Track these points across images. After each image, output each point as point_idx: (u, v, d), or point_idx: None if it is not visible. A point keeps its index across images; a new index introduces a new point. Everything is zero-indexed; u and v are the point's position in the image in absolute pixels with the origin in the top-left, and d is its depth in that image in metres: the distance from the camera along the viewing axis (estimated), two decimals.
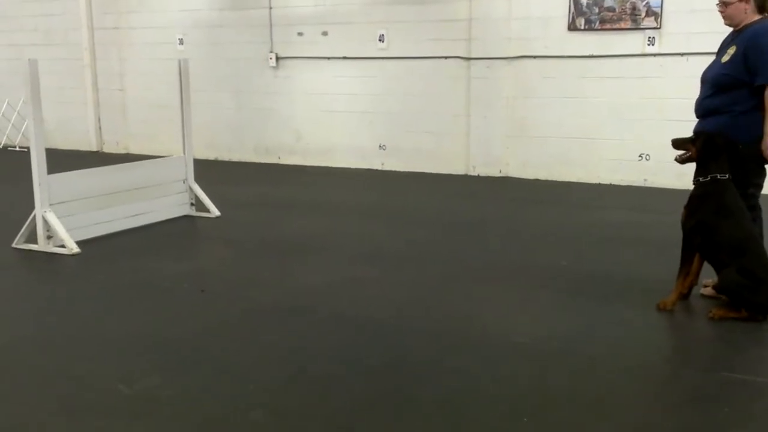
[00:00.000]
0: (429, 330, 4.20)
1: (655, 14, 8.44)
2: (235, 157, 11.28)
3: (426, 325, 4.28)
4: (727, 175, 4.32)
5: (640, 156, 8.73)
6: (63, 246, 5.81)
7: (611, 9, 8.64)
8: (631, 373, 3.65)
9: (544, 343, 3.99)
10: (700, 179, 4.40)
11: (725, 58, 4.47)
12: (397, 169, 10.13)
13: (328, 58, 10.35)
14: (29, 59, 5.73)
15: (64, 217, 5.91)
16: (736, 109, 4.39)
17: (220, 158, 11.28)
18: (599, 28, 8.73)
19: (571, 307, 4.58)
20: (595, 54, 8.79)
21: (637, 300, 4.62)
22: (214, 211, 7.17)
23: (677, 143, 4.56)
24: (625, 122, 8.76)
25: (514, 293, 4.90)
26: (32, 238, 5.92)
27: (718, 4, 4.52)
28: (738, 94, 4.38)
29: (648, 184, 8.68)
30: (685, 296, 4.55)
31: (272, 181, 9.69)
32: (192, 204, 7.26)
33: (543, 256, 5.77)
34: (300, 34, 10.49)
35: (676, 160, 4.58)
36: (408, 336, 4.12)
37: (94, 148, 12.37)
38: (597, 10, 8.70)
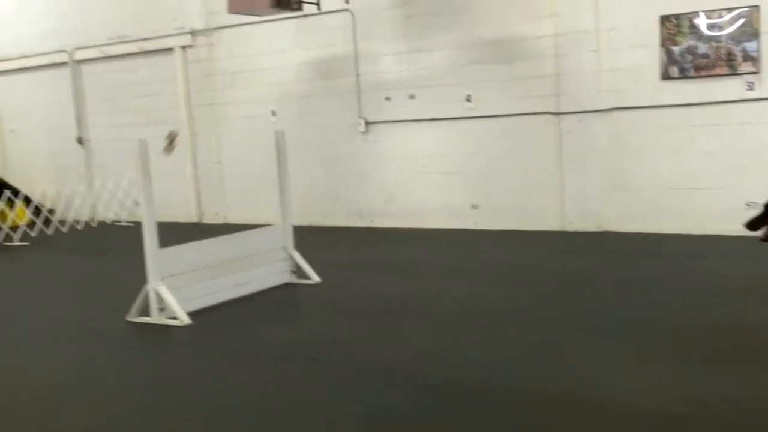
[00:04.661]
0: (541, 392, 4.07)
1: (753, 59, 8.20)
2: (328, 222, 11.45)
3: (537, 387, 4.16)
4: None
5: (747, 204, 8.38)
6: (175, 318, 5.98)
7: (705, 56, 8.45)
8: None
9: (671, 406, 3.80)
10: None
11: None
12: (491, 227, 10.04)
13: (417, 121, 10.48)
14: (139, 139, 6.04)
15: (174, 290, 6.09)
16: None
17: (313, 224, 11.47)
18: (694, 75, 8.54)
19: (694, 366, 4.36)
20: (692, 102, 8.59)
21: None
22: (315, 278, 7.26)
23: (751, 225, 4.36)
24: (728, 170, 8.46)
25: (625, 351, 4.71)
26: (144, 310, 6.12)
27: None
28: None
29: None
30: None
31: (367, 244, 9.76)
32: (293, 271, 7.38)
33: (653, 311, 5.54)
34: (387, 98, 10.70)
35: (761, 240, 4.39)
36: (519, 400, 4.01)
37: (194, 220, 12.80)
38: (690, 58, 8.53)
